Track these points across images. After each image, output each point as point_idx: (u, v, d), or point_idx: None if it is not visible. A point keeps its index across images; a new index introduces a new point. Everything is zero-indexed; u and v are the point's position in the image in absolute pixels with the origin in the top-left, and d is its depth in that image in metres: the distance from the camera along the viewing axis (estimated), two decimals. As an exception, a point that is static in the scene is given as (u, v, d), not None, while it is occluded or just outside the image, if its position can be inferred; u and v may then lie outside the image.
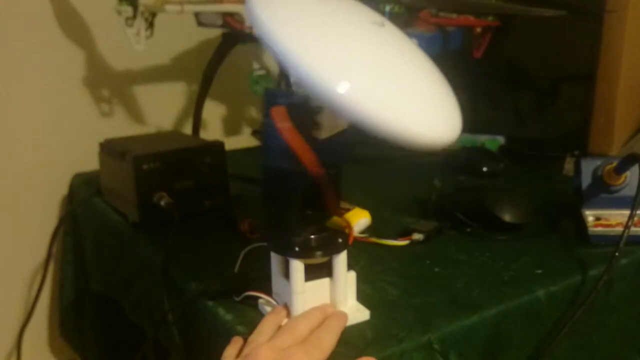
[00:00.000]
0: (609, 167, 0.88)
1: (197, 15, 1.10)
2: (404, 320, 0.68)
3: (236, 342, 0.63)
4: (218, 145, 1.01)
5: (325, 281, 0.67)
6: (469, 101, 1.39)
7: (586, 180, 0.90)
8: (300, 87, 0.59)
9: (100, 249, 1.10)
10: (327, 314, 0.65)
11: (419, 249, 0.85)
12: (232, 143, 1.15)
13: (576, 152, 1.17)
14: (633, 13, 1.14)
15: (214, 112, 1.46)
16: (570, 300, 0.76)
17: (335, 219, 0.75)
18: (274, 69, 1.42)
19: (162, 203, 0.94)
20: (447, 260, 0.82)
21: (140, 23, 1.07)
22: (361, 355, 0.61)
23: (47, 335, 1.39)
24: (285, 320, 0.65)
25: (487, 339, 0.70)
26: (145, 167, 0.94)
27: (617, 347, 0.85)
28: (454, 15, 1.21)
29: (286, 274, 0.66)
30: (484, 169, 1.18)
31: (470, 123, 1.38)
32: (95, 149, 1.07)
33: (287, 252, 0.65)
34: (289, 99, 0.60)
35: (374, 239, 0.87)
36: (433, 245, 0.87)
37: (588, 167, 0.91)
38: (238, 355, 0.61)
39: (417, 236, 0.87)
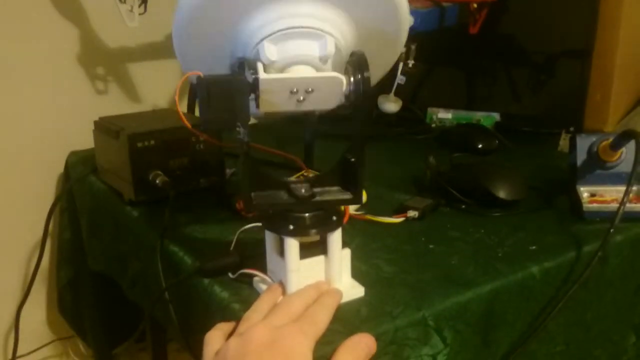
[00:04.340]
0: (604, 143, 0.88)
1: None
2: (399, 296, 0.68)
3: (219, 329, 0.63)
4: (213, 123, 1.01)
5: (320, 259, 0.67)
6: (465, 78, 1.40)
7: (581, 156, 0.90)
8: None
9: (96, 227, 1.10)
10: (322, 291, 0.65)
11: (413, 226, 0.86)
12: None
13: (571, 129, 1.17)
14: (630, -12, 1.13)
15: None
16: (564, 276, 0.76)
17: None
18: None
19: (158, 181, 0.94)
20: (441, 237, 0.82)
21: None
22: (356, 331, 0.61)
23: (45, 312, 1.40)
24: (280, 298, 0.65)
25: (482, 315, 0.70)
26: (140, 145, 0.94)
27: (612, 323, 0.85)
28: (450, -9, 1.21)
29: (281, 252, 0.66)
30: (479, 145, 1.18)
31: (466, 100, 1.39)
32: (91, 127, 1.07)
33: (282, 231, 0.65)
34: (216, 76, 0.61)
35: (369, 217, 0.87)
36: (428, 222, 0.87)
37: (583, 144, 0.91)
38: (231, 334, 0.61)
39: (412, 213, 0.87)
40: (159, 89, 1.39)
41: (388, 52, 0.68)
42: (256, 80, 0.61)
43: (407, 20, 0.68)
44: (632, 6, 1.14)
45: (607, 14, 1.14)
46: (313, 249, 0.66)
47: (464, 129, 1.26)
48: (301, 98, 0.62)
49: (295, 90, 0.61)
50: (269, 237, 0.68)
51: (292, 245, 0.64)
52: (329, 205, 0.66)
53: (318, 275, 0.67)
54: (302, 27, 0.65)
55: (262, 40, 0.65)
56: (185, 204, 0.93)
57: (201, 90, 0.60)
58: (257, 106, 0.62)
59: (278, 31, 0.64)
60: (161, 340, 1.34)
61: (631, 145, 0.84)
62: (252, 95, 0.62)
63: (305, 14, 0.65)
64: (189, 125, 0.66)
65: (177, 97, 0.67)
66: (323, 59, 0.64)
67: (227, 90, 0.60)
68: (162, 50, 1.36)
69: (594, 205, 0.87)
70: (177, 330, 0.78)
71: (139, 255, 0.92)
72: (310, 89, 0.61)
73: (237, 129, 0.61)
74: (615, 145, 0.87)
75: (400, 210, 0.88)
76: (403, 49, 1.13)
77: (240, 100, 0.60)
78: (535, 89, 1.30)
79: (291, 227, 0.64)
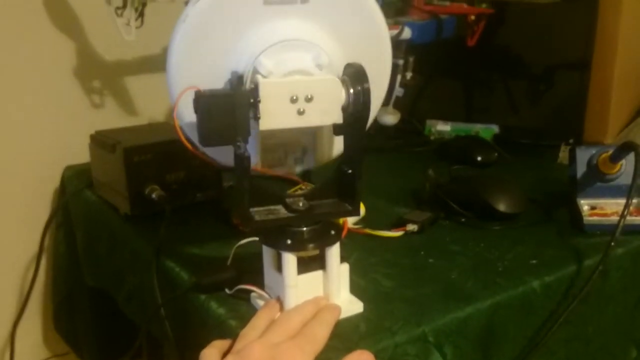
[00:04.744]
0: (604, 155, 0.88)
1: (187, 4, 1.09)
2: (398, 312, 0.67)
3: (215, 346, 0.62)
4: (210, 137, 1.00)
5: (318, 274, 0.66)
6: (463, 90, 1.39)
7: (581, 169, 0.90)
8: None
9: (91, 242, 1.09)
10: (320, 306, 0.64)
11: (413, 240, 0.85)
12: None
13: (571, 141, 1.17)
14: (628, 0, 1.13)
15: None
16: (565, 290, 0.76)
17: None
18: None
19: (154, 195, 0.93)
20: (441, 251, 0.82)
21: (130, 13, 1.06)
22: (355, 348, 0.61)
23: (41, 328, 1.38)
24: (278, 314, 0.65)
25: (482, 331, 0.70)
26: (136, 159, 0.93)
27: (613, 338, 0.84)
28: (448, 3, 1.20)
29: (279, 267, 0.65)
30: (478, 158, 1.17)
31: (465, 112, 1.39)
32: (86, 141, 1.06)
33: (280, 245, 0.64)
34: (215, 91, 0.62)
35: (367, 230, 0.86)
36: (427, 235, 0.86)
37: (583, 156, 0.90)
38: (227, 352, 0.60)
39: (411, 227, 0.86)
40: (155, 102, 1.38)
41: (375, 64, 0.68)
42: (256, 86, 0.60)
43: (384, 26, 0.69)
44: (630, 17, 1.13)
45: (605, 25, 1.13)
46: (311, 263, 0.66)
47: (463, 142, 1.26)
48: (302, 109, 0.61)
49: (295, 97, 0.60)
50: (267, 252, 0.67)
51: (290, 260, 0.64)
52: (329, 217, 0.65)
53: (316, 290, 0.67)
54: (295, 40, 0.64)
55: (258, 55, 0.64)
56: (181, 219, 0.93)
57: (201, 105, 0.59)
58: (257, 118, 0.61)
59: (273, 45, 0.64)
60: (158, 356, 1.32)
61: (631, 157, 0.84)
62: (252, 115, 0.61)
63: (294, 28, 0.65)
64: (189, 145, 0.66)
65: (175, 112, 0.66)
66: (319, 67, 0.63)
67: (227, 105, 0.60)
68: (158, 63, 1.34)
69: (595, 218, 0.86)
70: (173, 347, 0.77)
71: (134, 271, 0.91)
72: (309, 95, 0.61)
73: (238, 144, 0.60)
74: (615, 158, 0.86)
75: (399, 223, 0.87)
76: (400, 62, 1.13)
77: (240, 115, 0.60)
78: (534, 101, 1.30)
79: (289, 241, 0.63)
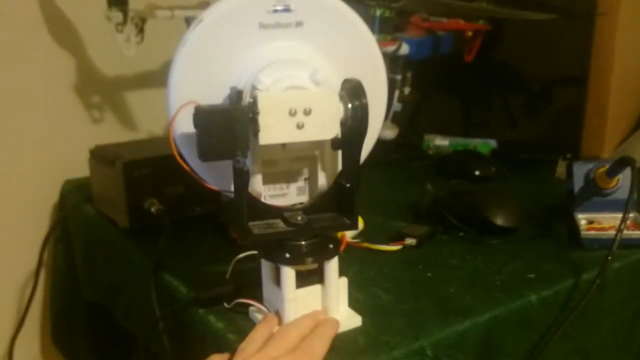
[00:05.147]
0: (601, 170, 0.88)
1: (187, 20, 1.10)
2: (397, 326, 0.67)
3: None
4: (209, 151, 1.00)
5: (316, 288, 0.66)
6: (461, 105, 1.40)
7: (578, 183, 0.90)
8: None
9: (90, 256, 1.09)
10: (319, 321, 0.64)
11: (411, 254, 0.85)
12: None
13: (568, 155, 1.17)
14: (624, 16, 1.14)
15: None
16: (563, 304, 0.76)
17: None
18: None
19: (153, 209, 0.93)
20: (439, 265, 0.82)
21: (130, 29, 1.06)
22: (353, 362, 0.61)
23: (39, 343, 1.38)
24: (276, 328, 0.65)
25: (480, 345, 0.70)
26: (135, 173, 0.94)
27: (611, 351, 0.84)
28: (445, 19, 1.21)
29: (277, 280, 0.65)
30: (476, 172, 1.17)
31: (463, 127, 1.39)
32: (86, 156, 1.06)
33: (278, 259, 0.64)
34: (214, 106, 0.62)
35: (366, 244, 0.86)
36: (425, 249, 0.86)
37: (580, 170, 0.91)
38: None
39: (410, 241, 0.86)
40: (155, 117, 1.38)
41: (370, 84, 0.68)
42: (255, 100, 0.60)
43: (374, 44, 0.70)
44: (627, 32, 1.14)
45: (602, 41, 1.14)
46: (309, 277, 0.66)
47: (461, 156, 1.26)
48: (301, 123, 0.61)
49: (293, 110, 0.61)
50: (265, 266, 0.67)
51: (289, 273, 0.64)
52: (327, 231, 0.66)
53: (315, 304, 0.67)
54: (292, 60, 0.65)
55: (257, 74, 0.65)
56: (180, 232, 0.93)
57: (200, 120, 0.60)
58: (256, 132, 0.61)
59: (270, 64, 0.64)
60: (156, 370, 1.32)
61: (627, 171, 0.85)
62: (251, 130, 0.61)
63: (290, 49, 0.66)
64: (186, 166, 0.66)
65: (172, 128, 0.66)
66: (315, 83, 0.64)
67: (226, 119, 0.60)
68: (158, 78, 1.36)
69: (592, 233, 0.87)
70: (171, 361, 0.77)
71: (132, 285, 0.91)
72: (308, 108, 0.61)
73: (237, 158, 0.60)
74: (612, 172, 0.87)
75: (397, 237, 0.87)
76: (398, 77, 1.14)
77: (239, 129, 0.60)
78: (531, 116, 1.30)
79: (287, 255, 0.64)
